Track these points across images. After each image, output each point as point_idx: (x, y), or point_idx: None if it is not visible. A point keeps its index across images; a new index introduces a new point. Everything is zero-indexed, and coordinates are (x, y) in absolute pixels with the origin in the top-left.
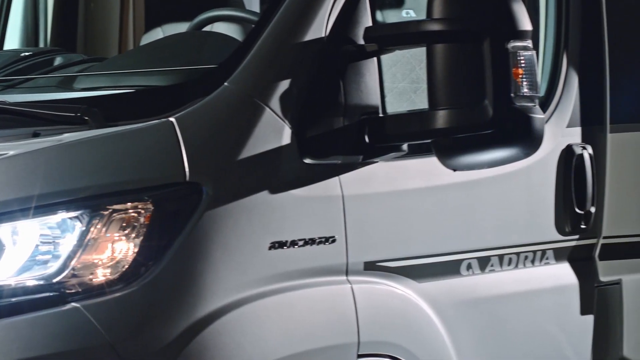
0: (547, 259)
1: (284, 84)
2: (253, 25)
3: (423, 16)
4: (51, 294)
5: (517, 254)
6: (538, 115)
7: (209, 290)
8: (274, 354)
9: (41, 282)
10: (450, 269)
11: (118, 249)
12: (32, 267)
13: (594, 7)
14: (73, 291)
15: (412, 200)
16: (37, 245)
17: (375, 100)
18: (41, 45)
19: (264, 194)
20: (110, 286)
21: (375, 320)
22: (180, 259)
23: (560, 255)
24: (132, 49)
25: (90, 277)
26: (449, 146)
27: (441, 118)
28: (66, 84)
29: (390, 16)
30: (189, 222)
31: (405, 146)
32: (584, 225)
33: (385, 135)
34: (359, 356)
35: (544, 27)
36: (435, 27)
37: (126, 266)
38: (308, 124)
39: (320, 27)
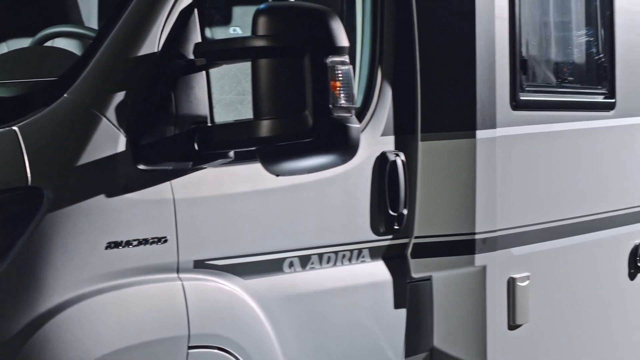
0: (363, 257)
1: (119, 96)
2: (91, 41)
3: (249, 33)
4: None
5: (336, 252)
6: (354, 124)
7: (49, 287)
8: (110, 346)
9: None
10: (274, 266)
11: None
12: None
13: (406, 24)
14: None
15: (239, 203)
16: None
17: (204, 110)
18: None
19: (101, 198)
20: None
21: (205, 314)
22: (22, 259)
23: (375, 253)
24: None
25: None
26: (272, 153)
27: (265, 127)
28: None
29: (218, 33)
30: (30, 223)
31: (232, 153)
32: (397, 226)
33: (214, 143)
34: (190, 348)
35: (360, 44)
36: (259, 43)
37: None
38: (142, 132)
39: (153, 43)
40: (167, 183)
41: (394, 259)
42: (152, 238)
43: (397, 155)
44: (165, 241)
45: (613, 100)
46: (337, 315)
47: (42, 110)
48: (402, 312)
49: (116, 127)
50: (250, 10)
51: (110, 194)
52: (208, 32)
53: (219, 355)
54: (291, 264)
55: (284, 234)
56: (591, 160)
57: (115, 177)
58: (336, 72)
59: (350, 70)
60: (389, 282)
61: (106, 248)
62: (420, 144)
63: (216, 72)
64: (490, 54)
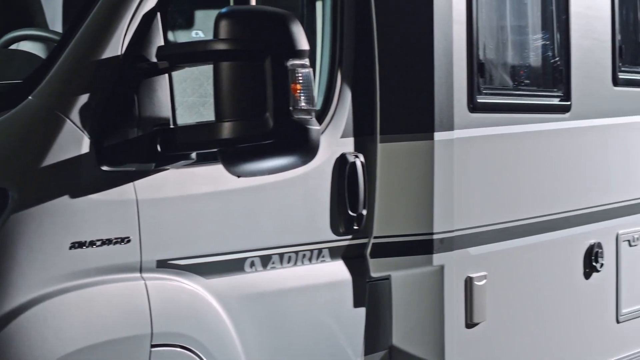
0: (323, 257)
1: (84, 98)
2: (55, 44)
3: (211, 36)
4: None
5: (296, 252)
6: (314, 126)
7: (14, 287)
8: (74, 345)
9: None
10: (235, 266)
11: None
12: None
13: (366, 28)
14: None
15: (201, 204)
16: None
17: (167, 112)
18: None
19: (65, 199)
20: None
21: (167, 313)
22: None
23: (335, 253)
24: None
25: None
26: (234, 155)
27: (226, 129)
28: None
29: (181, 36)
30: None
31: (194, 155)
32: (357, 226)
33: (176, 145)
34: (153, 346)
35: (320, 47)
36: (221, 46)
37: None
38: (105, 134)
39: (117, 46)
40: (130, 184)
41: (354, 258)
42: (116, 238)
43: (357, 156)
44: (129, 241)
45: (569, 103)
46: (298, 313)
47: (7, 112)
48: (362, 311)
49: (80, 129)
50: (213, 14)
51: (74, 195)
52: (171, 36)
53: (181, 353)
54: (252, 264)
55: (245, 234)
56: (547, 161)
57: (79, 178)
58: (297, 75)
59: (311, 73)
60: (349, 282)
61: (70, 248)
62: (379, 145)
63: (179, 74)
64: (448, 57)
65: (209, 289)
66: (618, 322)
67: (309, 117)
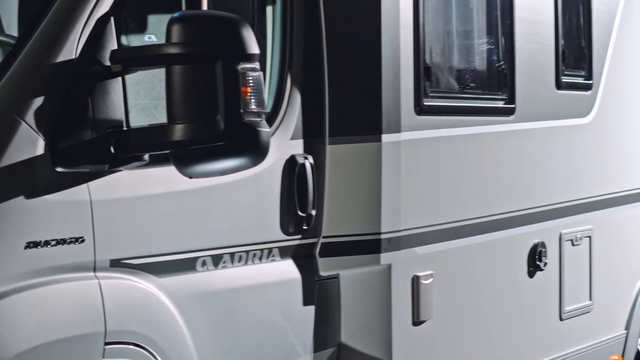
0: (273, 256)
1: (39, 101)
2: (10, 48)
3: (164, 40)
4: None
5: (247, 252)
6: (264, 129)
7: None
8: (29, 343)
9: None
10: (187, 265)
11: None
12: None
13: (315, 33)
14: None
15: (153, 204)
16: None
17: (120, 115)
18: None
19: (20, 199)
20: None
21: (120, 311)
22: None
23: (285, 253)
24: None
25: None
26: (186, 156)
27: (178, 131)
28: None
29: (134, 40)
30: None
31: (147, 156)
32: (306, 226)
33: (129, 147)
34: (107, 344)
35: (270, 51)
36: (173, 50)
37: None
38: (60, 136)
39: (71, 50)
40: (85, 185)
41: (303, 258)
42: (70, 238)
43: (306, 158)
44: (83, 241)
45: (513, 106)
46: (249, 312)
47: None
48: (311, 309)
49: (35, 131)
50: (165, 18)
51: (29, 196)
52: (124, 40)
53: (134, 350)
54: (204, 263)
55: (197, 234)
56: (492, 163)
57: (35, 179)
58: (247, 78)
59: (261, 76)
60: (298, 280)
61: (25, 248)
62: (328, 147)
63: (132, 78)
64: (396, 61)
65: (162, 287)
66: (561, 319)
67: (259, 119)
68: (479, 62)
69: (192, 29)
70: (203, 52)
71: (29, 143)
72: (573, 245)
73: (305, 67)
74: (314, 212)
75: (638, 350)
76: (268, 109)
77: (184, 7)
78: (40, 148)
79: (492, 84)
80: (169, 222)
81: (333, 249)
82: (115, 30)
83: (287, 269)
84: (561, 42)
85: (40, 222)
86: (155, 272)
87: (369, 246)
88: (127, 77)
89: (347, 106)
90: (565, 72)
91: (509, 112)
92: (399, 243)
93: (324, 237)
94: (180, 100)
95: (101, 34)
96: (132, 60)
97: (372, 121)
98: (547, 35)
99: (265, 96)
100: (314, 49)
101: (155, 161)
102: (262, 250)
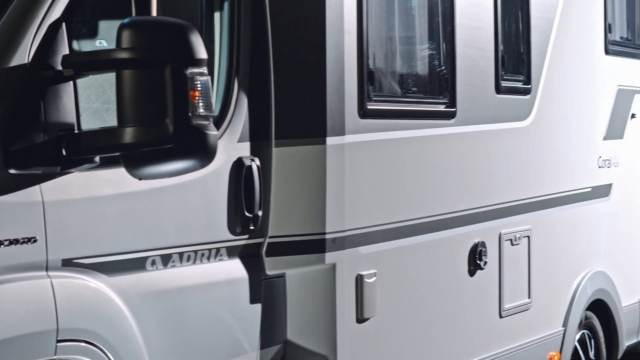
0: (221, 255)
1: None
2: None
3: (114, 45)
4: None
5: (195, 251)
6: (212, 132)
7: None
8: None
9: None
10: (137, 264)
11: None
12: None
13: (261, 38)
14: None
15: (104, 205)
16: None
17: (72, 118)
18: None
19: None
20: None
21: (72, 310)
22: None
23: (232, 252)
24: None
25: None
26: (136, 158)
27: (128, 134)
28: None
29: (85, 45)
30: None
31: (98, 158)
32: (253, 226)
33: (81, 149)
34: (59, 341)
35: (218, 55)
36: (123, 55)
37: None
38: (13, 138)
39: (24, 54)
40: (37, 186)
41: (250, 257)
42: (23, 238)
43: (253, 160)
44: (35, 241)
45: (454, 110)
46: (197, 310)
47: None
48: (258, 307)
49: None
50: (116, 24)
51: None
52: (76, 45)
53: (86, 348)
54: (153, 262)
55: (146, 234)
56: (434, 165)
57: None
58: (195, 82)
59: (209, 80)
60: (245, 279)
61: None
62: (274, 149)
63: (83, 82)
64: (340, 65)
65: (112, 286)
66: (501, 317)
67: (207, 122)
68: (421, 67)
69: (141, 34)
70: (152, 57)
71: None
72: (512, 244)
73: (252, 71)
74: (260, 213)
75: (575, 346)
76: (216, 113)
77: (134, 13)
78: None
79: (434, 88)
80: (120, 222)
81: (279, 249)
82: (67, 35)
83: (235, 268)
84: (501, 47)
85: None
86: (106, 271)
87: (314, 246)
88: (79, 81)
89: (292, 110)
90: (505, 77)
91: (450, 115)
92: (343, 243)
93: (270, 237)
94: (130, 104)
95: (53, 39)
96: (84, 64)
97: (317, 124)
98: (487, 41)
99: (213, 100)
100: (261, 54)
101: (106, 163)
102: (210, 249)
